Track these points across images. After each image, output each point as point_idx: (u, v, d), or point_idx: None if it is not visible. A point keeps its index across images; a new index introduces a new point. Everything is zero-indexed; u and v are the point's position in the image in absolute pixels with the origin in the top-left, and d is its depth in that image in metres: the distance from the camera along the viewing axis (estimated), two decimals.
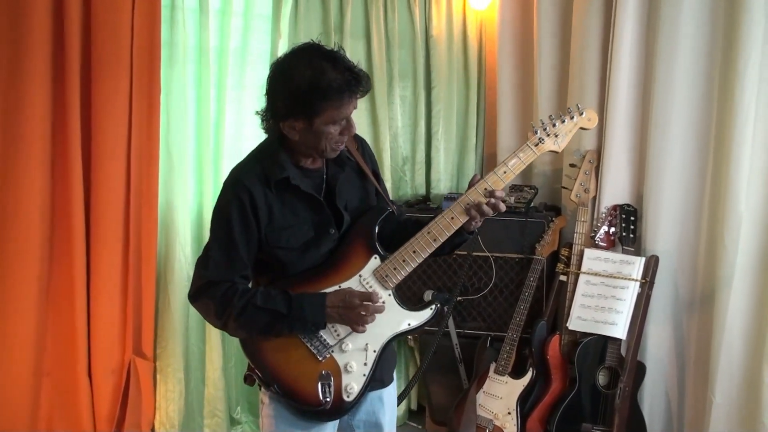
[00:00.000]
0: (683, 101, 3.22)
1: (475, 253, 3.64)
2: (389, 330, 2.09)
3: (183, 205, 3.54)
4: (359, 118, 3.90)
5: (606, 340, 3.29)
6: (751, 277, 3.05)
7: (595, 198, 3.50)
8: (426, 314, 2.14)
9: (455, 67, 4.09)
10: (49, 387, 3.31)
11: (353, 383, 2.06)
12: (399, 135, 4.06)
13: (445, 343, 3.71)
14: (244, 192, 1.99)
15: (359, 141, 2.27)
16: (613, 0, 3.35)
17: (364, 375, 2.07)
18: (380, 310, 2.04)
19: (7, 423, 3.20)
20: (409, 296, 3.76)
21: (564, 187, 3.64)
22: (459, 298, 3.67)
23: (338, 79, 1.91)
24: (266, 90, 2.02)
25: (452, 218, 2.10)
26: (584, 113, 2.24)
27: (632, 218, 3.36)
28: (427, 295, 3.58)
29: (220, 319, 2.03)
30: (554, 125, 2.19)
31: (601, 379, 3.31)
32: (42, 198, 3.15)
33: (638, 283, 3.28)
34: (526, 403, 3.43)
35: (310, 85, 1.90)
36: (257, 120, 2.10)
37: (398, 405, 3.85)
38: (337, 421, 2.16)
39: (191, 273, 2.16)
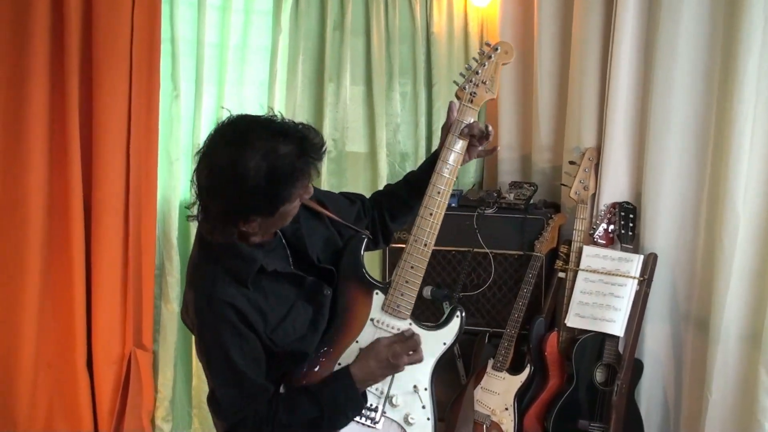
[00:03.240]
0: (683, 99, 3.21)
1: (474, 250, 3.64)
2: (431, 358, 1.92)
3: (180, 199, 3.57)
4: (357, 113, 3.93)
5: (604, 337, 3.28)
6: (748, 275, 3.04)
7: (594, 195, 3.49)
8: (455, 326, 1.97)
9: (456, 63, 4.09)
10: (49, 378, 3.34)
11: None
12: (399, 131, 4.06)
13: None
14: (227, 308, 1.69)
15: None
16: None
17: (429, 419, 1.91)
18: (420, 340, 1.83)
19: (7, 412, 3.23)
20: None
21: (563, 185, 3.64)
22: (457, 294, 3.67)
23: (298, 154, 1.63)
24: (203, 191, 1.67)
25: (431, 214, 1.94)
26: (499, 48, 2.06)
27: (631, 216, 3.36)
28: (426, 291, 3.63)
29: None
30: (477, 73, 2.01)
31: (599, 376, 3.31)
32: (41, 192, 3.18)
33: (636, 281, 3.28)
34: (523, 399, 3.43)
35: (271, 176, 1.60)
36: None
37: None
38: None
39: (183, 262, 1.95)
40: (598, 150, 3.49)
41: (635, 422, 3.32)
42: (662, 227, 3.31)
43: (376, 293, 1.90)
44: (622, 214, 3.36)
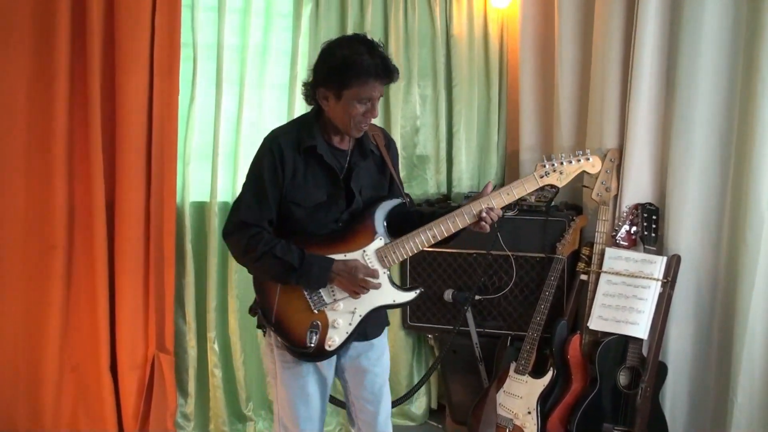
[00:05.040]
0: (706, 100, 3.18)
1: (495, 252, 3.63)
2: (377, 301, 2.42)
3: (190, 201, 3.60)
4: None
5: (627, 339, 3.26)
6: None
7: (616, 197, 3.47)
8: (410, 296, 2.45)
9: (476, 65, 4.07)
10: (73, 381, 3.37)
11: (336, 337, 2.39)
12: (419, 133, 4.06)
13: (466, 342, 3.71)
14: (277, 148, 2.34)
15: (388, 139, 2.58)
16: None
17: (347, 332, 2.40)
18: (377, 287, 2.37)
19: (33, 414, 3.27)
20: (429, 295, 3.77)
21: (585, 186, 3.62)
22: (478, 297, 3.66)
23: (369, 62, 2.24)
24: (313, 64, 2.36)
25: (452, 222, 2.41)
26: (590, 159, 2.55)
27: (654, 217, 3.33)
28: (447, 294, 3.63)
29: (243, 257, 2.39)
30: (562, 164, 2.52)
31: (622, 379, 3.29)
32: (64, 195, 3.22)
33: (660, 283, 3.25)
34: (546, 402, 3.42)
35: (345, 60, 2.24)
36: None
37: (407, 400, 3.91)
38: (332, 362, 2.51)
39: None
40: (620, 151, 3.46)
41: (660, 426, 3.29)
42: (686, 228, 3.28)
43: (380, 239, 2.42)
44: (645, 215, 3.33)
